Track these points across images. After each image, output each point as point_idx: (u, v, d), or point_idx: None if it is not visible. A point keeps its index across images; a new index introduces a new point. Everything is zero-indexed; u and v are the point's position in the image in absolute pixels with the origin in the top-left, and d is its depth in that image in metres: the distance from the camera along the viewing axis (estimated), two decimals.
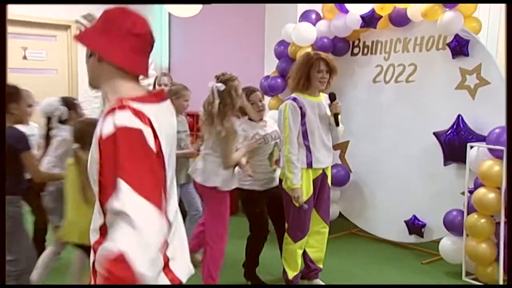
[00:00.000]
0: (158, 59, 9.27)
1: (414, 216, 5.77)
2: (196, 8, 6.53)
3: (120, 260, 1.49)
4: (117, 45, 1.86)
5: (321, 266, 4.77)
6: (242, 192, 4.66)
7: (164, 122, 1.86)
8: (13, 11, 7.75)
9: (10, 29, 7.93)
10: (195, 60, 8.92)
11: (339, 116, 4.48)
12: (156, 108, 1.84)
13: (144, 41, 1.91)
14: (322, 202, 4.62)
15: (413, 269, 5.37)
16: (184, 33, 9.21)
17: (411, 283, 5.06)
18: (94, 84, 1.97)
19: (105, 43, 1.85)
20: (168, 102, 2.01)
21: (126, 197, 1.60)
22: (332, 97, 4.45)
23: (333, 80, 4.53)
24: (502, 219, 4.68)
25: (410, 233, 5.82)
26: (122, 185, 1.61)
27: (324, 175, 4.56)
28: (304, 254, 4.71)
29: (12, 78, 7.62)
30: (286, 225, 4.59)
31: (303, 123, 4.42)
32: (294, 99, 4.38)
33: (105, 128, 1.68)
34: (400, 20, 5.69)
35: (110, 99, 1.87)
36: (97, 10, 2.04)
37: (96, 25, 1.91)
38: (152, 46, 1.95)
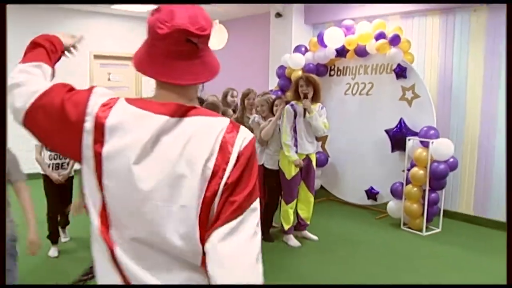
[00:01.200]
0: None
1: (371, 186, 5.93)
2: (221, 43, 6.82)
3: None
4: (142, 51, 1.25)
5: (308, 222, 4.89)
6: (265, 169, 4.78)
7: (143, 133, 1.13)
8: (101, 50, 8.20)
9: (100, 61, 8.57)
10: (220, 79, 8.76)
11: (307, 110, 4.53)
12: (149, 116, 1.15)
13: (168, 43, 1.15)
14: (309, 179, 4.77)
15: (370, 223, 5.54)
16: None
17: (369, 232, 5.15)
18: None
19: (138, 51, 1.27)
20: (179, 120, 1.15)
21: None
22: (303, 97, 4.56)
23: (318, 91, 4.59)
24: (427, 188, 5.00)
25: (368, 198, 5.99)
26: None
27: (308, 159, 4.69)
28: (297, 214, 4.83)
29: None
30: (282, 193, 4.75)
31: (294, 122, 4.60)
32: (292, 105, 4.62)
33: None
34: (361, 53, 5.86)
35: None
36: None
37: None
38: (185, 44, 1.15)
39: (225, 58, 8.51)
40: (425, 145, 5.04)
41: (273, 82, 6.95)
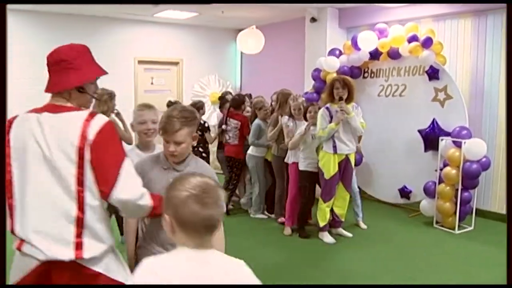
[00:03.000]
0: (233, 81, 9.43)
1: (404, 185, 5.92)
2: (258, 48, 6.97)
3: None
4: None
5: (343, 219, 4.92)
6: (302, 171, 4.90)
7: (28, 126, 1.67)
8: (145, 55, 8.53)
9: (144, 66, 8.87)
10: (257, 82, 9.00)
11: (346, 112, 4.48)
12: (33, 116, 1.69)
13: (48, 65, 1.75)
14: (346, 177, 4.77)
15: (403, 221, 5.54)
16: (250, 64, 9.38)
17: (402, 230, 5.14)
18: None
19: None
20: (49, 115, 1.67)
21: None
22: (338, 99, 4.54)
23: (352, 92, 4.55)
24: (460, 187, 4.99)
25: (401, 197, 5.97)
26: None
27: (347, 159, 4.68)
28: (332, 211, 4.82)
29: (145, 97, 8.47)
30: (320, 191, 4.78)
31: (331, 123, 4.58)
32: (327, 108, 4.65)
33: None
34: (394, 55, 5.89)
35: None
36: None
37: None
38: (52, 66, 1.74)
39: (262, 61, 8.72)
40: (458, 145, 5.05)
41: (309, 84, 7.01)
